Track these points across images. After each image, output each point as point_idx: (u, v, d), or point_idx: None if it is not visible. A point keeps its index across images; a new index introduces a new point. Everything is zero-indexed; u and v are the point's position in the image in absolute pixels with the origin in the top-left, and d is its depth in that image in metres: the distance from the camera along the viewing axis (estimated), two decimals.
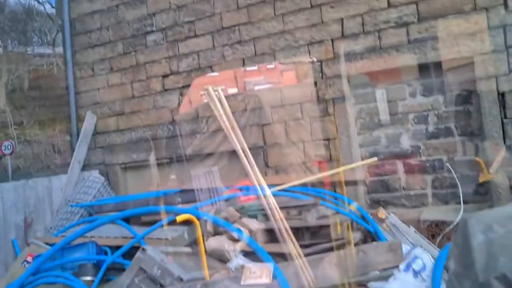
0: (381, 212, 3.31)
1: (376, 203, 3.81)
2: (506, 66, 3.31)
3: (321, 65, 3.92)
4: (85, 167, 4.89)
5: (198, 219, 3.06)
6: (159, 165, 4.65)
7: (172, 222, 3.07)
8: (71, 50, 5.07)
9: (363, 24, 3.75)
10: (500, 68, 3.33)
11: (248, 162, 4.14)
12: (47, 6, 22.15)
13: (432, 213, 3.54)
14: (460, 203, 3.40)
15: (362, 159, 3.85)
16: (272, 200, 3.30)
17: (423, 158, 3.73)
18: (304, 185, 3.62)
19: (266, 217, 3.28)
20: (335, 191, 3.73)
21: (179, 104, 4.53)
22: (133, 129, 4.78)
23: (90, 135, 4.92)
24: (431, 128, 3.71)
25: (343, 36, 3.83)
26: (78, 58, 5.10)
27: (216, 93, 4.36)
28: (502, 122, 3.34)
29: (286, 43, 4.05)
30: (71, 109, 5.06)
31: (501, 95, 3.34)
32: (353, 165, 3.63)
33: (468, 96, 3.58)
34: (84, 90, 5.08)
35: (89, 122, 4.91)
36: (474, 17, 3.40)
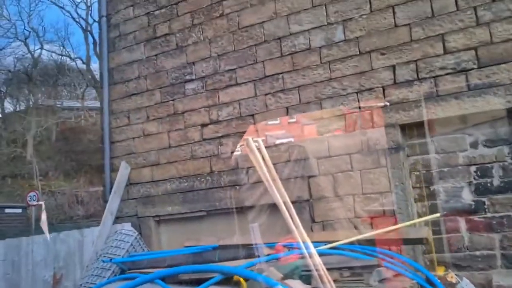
0: (451, 275, 2.95)
1: (436, 265, 3.44)
2: None
3: (371, 114, 3.71)
4: (117, 219, 4.68)
5: (246, 280, 2.77)
6: (195, 218, 4.40)
7: (219, 282, 2.78)
8: (108, 100, 5.01)
9: (417, 71, 3.56)
10: None
11: (291, 216, 3.88)
12: (78, 62, 23.06)
13: (505, 277, 3.16)
14: None
15: (419, 215, 3.54)
16: (318, 259, 2.99)
17: (489, 214, 3.40)
18: (355, 243, 3.30)
19: (312, 278, 2.96)
20: (390, 250, 3.39)
21: (218, 154, 4.34)
22: (169, 180, 4.59)
23: (123, 186, 4.73)
24: (496, 182, 3.40)
25: (395, 83, 3.64)
26: (114, 108, 5.02)
27: (256, 143, 4.19)
28: None
29: (333, 91, 3.88)
30: (105, 159, 4.92)
31: None
32: (412, 221, 3.32)
33: None
34: (119, 139, 4.96)
35: (123, 172, 4.74)
36: None
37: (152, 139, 4.75)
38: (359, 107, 3.69)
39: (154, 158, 4.72)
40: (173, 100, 4.68)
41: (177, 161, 4.57)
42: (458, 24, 3.45)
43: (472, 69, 3.39)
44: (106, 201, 4.71)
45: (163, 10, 4.85)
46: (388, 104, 3.58)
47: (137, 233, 4.37)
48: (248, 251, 3.48)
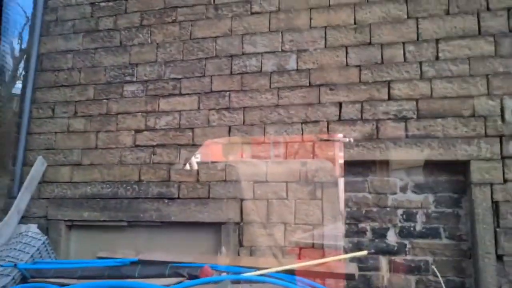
0: None
1: None
2: (501, 176, 3.35)
3: (313, 146, 3.78)
4: (22, 218, 4.22)
5: None
6: (114, 228, 4.12)
7: None
8: (32, 87, 4.57)
9: (362, 111, 3.71)
10: (495, 177, 3.36)
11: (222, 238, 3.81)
12: None
13: None
14: None
15: (345, 250, 3.63)
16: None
17: (409, 257, 3.59)
18: (281, 272, 3.29)
19: None
20: (319, 283, 3.42)
21: (150, 163, 4.13)
22: (90, 183, 4.27)
23: (36, 183, 4.30)
24: (419, 227, 3.62)
25: (340, 120, 3.75)
26: (38, 97, 4.60)
27: (196, 158, 4.09)
28: (495, 231, 3.30)
29: (279, 117, 3.90)
30: (19, 150, 4.46)
31: (495, 204, 3.33)
32: (342, 256, 3.39)
33: (459, 200, 3.56)
34: (38, 132, 4.53)
35: (39, 168, 4.32)
36: (472, 122, 3.47)
37: (77, 137, 4.41)
38: (321, 139, 3.74)
39: (77, 157, 4.37)
40: (107, 99, 4.40)
41: (103, 164, 4.27)
42: (404, 75, 3.67)
43: (412, 118, 3.60)
44: (13, 197, 4.25)
45: (110, 3, 4.58)
46: (352, 140, 3.67)
47: (45, 237, 3.97)
48: (174, 269, 3.31)
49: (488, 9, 3.58)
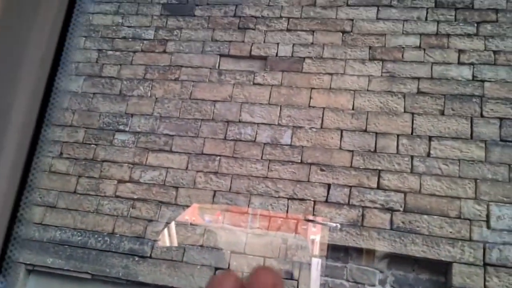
0: None
1: None
2: (482, 283, 3.31)
3: (296, 224, 3.73)
4: None
5: None
6: (77, 279, 3.93)
7: None
8: None
9: (349, 197, 3.72)
10: (477, 283, 3.32)
11: None
12: None
13: None
14: None
15: None
16: None
17: None
18: None
19: None
20: None
21: (127, 216, 4.03)
22: (61, 228, 4.12)
23: None
24: None
25: (326, 201, 3.74)
26: None
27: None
28: None
29: (266, 190, 3.88)
30: None
31: None
32: None
33: None
34: None
35: None
36: (457, 224, 3.48)
37: (57, 178, 4.31)
38: (305, 218, 3.70)
39: (53, 199, 4.25)
40: (96, 144, 4.37)
41: (78, 210, 4.15)
42: (395, 166, 3.73)
43: (398, 210, 3.61)
44: None
45: (117, 53, 4.69)
46: (339, 226, 3.64)
47: (4, 283, 3.75)
48: None
49: (481, 115, 3.73)
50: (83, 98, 4.59)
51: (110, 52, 4.72)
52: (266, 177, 3.92)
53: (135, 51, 4.63)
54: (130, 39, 4.70)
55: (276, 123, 4.07)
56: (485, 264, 3.35)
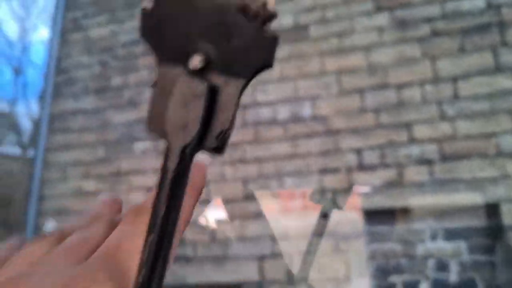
0: None
1: None
2: None
3: (334, 196, 3.77)
4: None
5: None
6: None
7: None
8: (43, 149, 4.72)
9: (382, 157, 3.72)
10: None
11: None
12: None
13: None
14: None
15: None
16: None
17: None
18: None
19: None
20: None
21: None
22: None
23: None
24: (453, 278, 3.51)
25: (360, 166, 3.76)
26: (50, 159, 4.73)
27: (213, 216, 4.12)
28: None
29: (296, 167, 3.92)
30: (28, 215, 4.54)
31: None
32: None
33: (493, 246, 3.47)
34: (49, 195, 4.63)
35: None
36: (499, 161, 3.44)
37: (89, 198, 4.48)
38: (338, 207, 3.74)
39: None
40: (117, 158, 4.50)
41: None
42: (424, 116, 3.69)
43: (436, 161, 3.59)
44: None
45: (121, 63, 4.78)
46: (369, 190, 3.66)
47: None
48: None
49: (504, 43, 3.64)
50: (96, 114, 4.71)
51: (114, 64, 4.81)
52: (295, 155, 3.95)
53: (137, 56, 4.71)
54: (129, 45, 4.78)
55: (294, 97, 4.08)
56: None
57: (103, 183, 4.48)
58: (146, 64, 4.65)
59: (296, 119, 4.01)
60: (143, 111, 4.53)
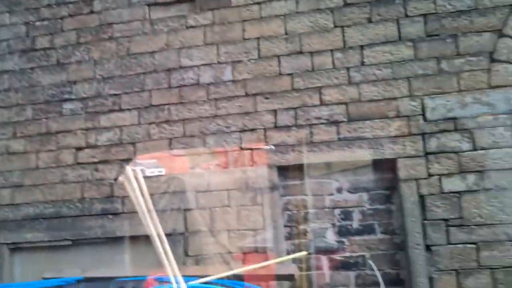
0: None
1: None
2: (425, 171, 3.74)
3: (251, 154, 4.08)
4: None
5: None
6: (59, 248, 4.28)
7: None
8: None
9: (296, 118, 4.04)
10: (420, 172, 3.75)
11: (164, 249, 4.01)
12: None
13: None
14: None
15: (288, 252, 3.94)
16: None
17: (347, 254, 3.93)
18: (224, 278, 3.55)
19: None
20: (259, 285, 3.70)
21: (92, 180, 4.33)
22: (32, 204, 4.42)
23: None
24: (355, 225, 3.96)
25: (275, 127, 4.07)
26: None
27: (134, 173, 4.30)
28: (423, 223, 3.69)
29: (217, 128, 4.18)
30: None
31: (421, 198, 3.72)
32: (282, 258, 3.68)
33: (390, 196, 3.93)
34: None
35: None
36: (397, 123, 3.86)
37: (17, 158, 4.55)
38: (241, 147, 4.04)
39: (17, 179, 4.51)
40: (46, 118, 4.57)
41: (45, 184, 4.43)
42: (333, 81, 4.03)
43: (343, 122, 3.97)
44: None
45: (45, 22, 4.77)
46: (273, 148, 3.98)
47: None
48: (118, 284, 3.51)
49: (406, 15, 4.00)
50: (23, 75, 4.72)
51: (38, 23, 4.79)
52: (216, 116, 4.21)
53: (63, 17, 4.71)
54: (55, 6, 4.76)
55: (216, 62, 4.30)
56: (426, 154, 3.77)
57: (31, 143, 4.55)
58: (72, 26, 4.67)
59: (218, 82, 4.24)
60: (71, 73, 4.60)
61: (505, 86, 3.74)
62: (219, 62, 4.29)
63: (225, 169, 4.09)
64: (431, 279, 3.61)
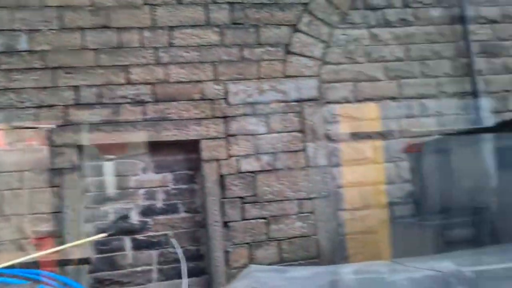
0: None
1: (101, 283, 3.77)
2: (225, 152, 3.96)
3: (50, 132, 3.79)
4: None
5: None
6: None
7: None
8: None
9: (100, 96, 3.87)
10: (221, 153, 3.95)
11: None
12: None
13: None
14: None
15: (89, 235, 3.80)
16: None
17: (151, 233, 3.96)
18: (15, 266, 3.29)
19: None
20: (55, 271, 3.51)
21: None
22: None
23: None
24: (159, 204, 4.01)
25: (77, 104, 3.84)
26: None
27: None
28: (221, 202, 3.91)
29: (10, 102, 3.77)
30: None
31: (221, 177, 3.93)
32: (77, 242, 3.54)
33: (194, 176, 4.07)
34: None
35: None
36: (202, 105, 3.99)
37: None
38: (15, 126, 3.72)
39: None
40: None
41: None
42: (141, 60, 3.96)
43: (149, 102, 3.94)
44: None
45: None
46: (54, 127, 3.74)
47: None
48: None
49: (214, 2, 4.13)
50: None
51: None
52: (8, 89, 3.78)
53: None
54: None
55: (10, 28, 3.85)
56: (227, 136, 3.99)
57: None
58: None
59: (10, 52, 3.81)
60: None
61: (297, 77, 4.16)
62: (13, 29, 3.85)
63: (18, 149, 3.73)
64: (226, 253, 3.87)
